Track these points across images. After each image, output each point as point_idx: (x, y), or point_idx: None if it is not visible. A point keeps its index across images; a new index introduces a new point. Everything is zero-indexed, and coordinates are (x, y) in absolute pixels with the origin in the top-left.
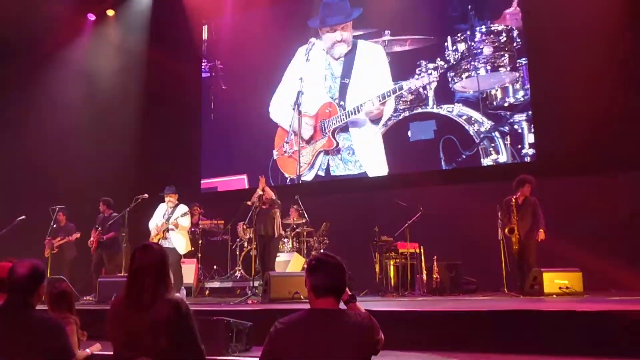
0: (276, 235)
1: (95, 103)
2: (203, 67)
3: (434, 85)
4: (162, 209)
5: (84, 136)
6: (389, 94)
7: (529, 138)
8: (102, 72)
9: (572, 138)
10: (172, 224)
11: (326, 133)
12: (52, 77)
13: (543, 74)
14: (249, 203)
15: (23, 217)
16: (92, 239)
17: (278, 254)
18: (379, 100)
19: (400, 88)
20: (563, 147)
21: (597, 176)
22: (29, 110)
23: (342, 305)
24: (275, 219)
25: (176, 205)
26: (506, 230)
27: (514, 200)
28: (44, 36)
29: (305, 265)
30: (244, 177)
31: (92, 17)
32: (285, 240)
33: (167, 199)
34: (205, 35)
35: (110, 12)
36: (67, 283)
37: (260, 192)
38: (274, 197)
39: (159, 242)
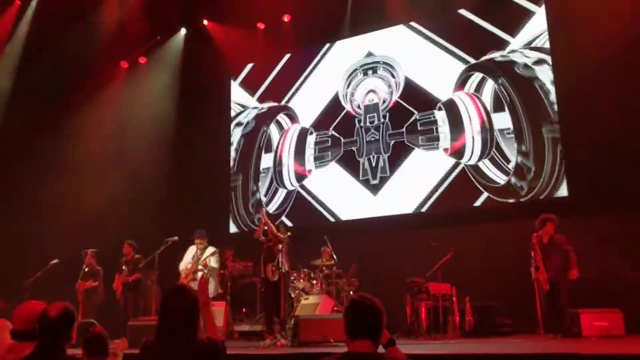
0: (276, 278)
1: (126, 147)
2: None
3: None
4: (191, 252)
5: (114, 179)
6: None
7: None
8: (133, 117)
9: (609, 173)
10: (201, 264)
11: None
12: (83, 122)
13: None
14: (262, 238)
15: (56, 260)
16: (116, 282)
17: (306, 296)
18: None
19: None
20: (599, 182)
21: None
22: (63, 154)
23: (381, 349)
24: (279, 256)
25: (205, 248)
26: (533, 269)
27: (535, 239)
28: (78, 83)
29: (335, 308)
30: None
31: (125, 64)
32: (314, 282)
33: (197, 241)
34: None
35: (142, 60)
36: (99, 326)
37: (265, 228)
38: (275, 231)
39: (189, 284)
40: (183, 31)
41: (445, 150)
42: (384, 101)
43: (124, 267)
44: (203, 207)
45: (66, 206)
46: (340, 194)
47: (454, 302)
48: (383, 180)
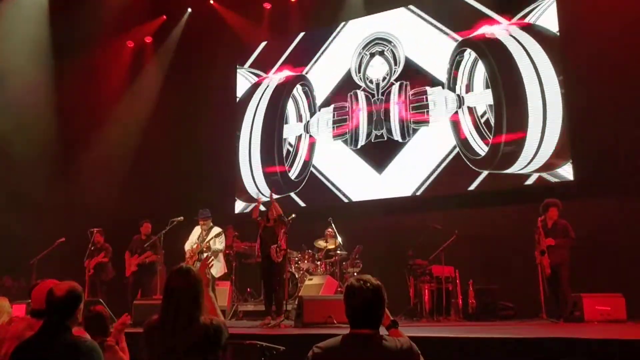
0: (279, 258)
1: (130, 127)
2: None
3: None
4: (196, 232)
5: (120, 157)
6: None
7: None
8: (138, 95)
9: (613, 156)
10: (204, 247)
11: None
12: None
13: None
14: (259, 219)
15: (62, 239)
16: (129, 262)
17: (310, 277)
18: None
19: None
20: (604, 166)
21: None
22: (68, 133)
23: (383, 330)
24: (279, 237)
25: (210, 228)
26: (538, 253)
27: (539, 224)
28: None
29: (339, 289)
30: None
31: (130, 44)
32: (318, 263)
33: (200, 222)
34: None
35: (148, 39)
36: (104, 306)
37: (263, 209)
38: (282, 214)
39: (194, 265)
40: (189, 10)
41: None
42: (387, 79)
43: (136, 249)
44: (208, 187)
45: (72, 186)
46: (348, 174)
47: (457, 284)
48: (388, 160)
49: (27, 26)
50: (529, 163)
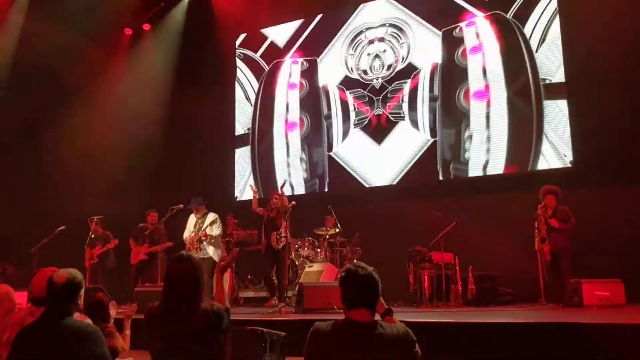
0: (280, 247)
1: (130, 114)
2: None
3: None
4: (192, 220)
5: (119, 146)
6: None
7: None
8: (138, 83)
9: (613, 143)
10: (201, 235)
11: None
12: (89, 88)
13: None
14: (259, 210)
15: (63, 227)
16: (136, 250)
17: (311, 264)
18: None
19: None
20: (604, 152)
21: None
22: (65, 121)
23: (378, 318)
24: (281, 227)
25: (205, 215)
26: (539, 240)
27: (540, 211)
28: (82, 49)
29: (339, 276)
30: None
31: (129, 32)
32: (319, 250)
33: (194, 210)
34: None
35: (146, 27)
36: (104, 292)
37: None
38: (287, 205)
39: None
40: None
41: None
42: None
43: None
44: (207, 174)
45: (71, 173)
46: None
47: (456, 271)
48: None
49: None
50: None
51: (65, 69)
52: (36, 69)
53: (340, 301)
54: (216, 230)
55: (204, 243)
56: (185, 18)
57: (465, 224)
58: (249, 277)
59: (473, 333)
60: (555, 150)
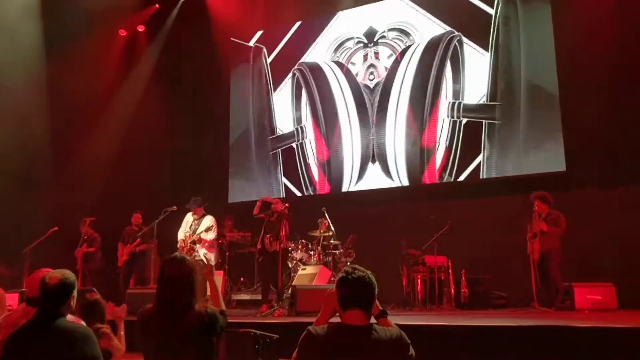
0: (273, 247)
1: (124, 115)
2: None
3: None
4: (189, 221)
5: (114, 146)
6: None
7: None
8: (133, 85)
9: (604, 147)
10: (196, 239)
11: None
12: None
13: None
14: (260, 215)
15: (56, 228)
16: (121, 252)
17: (304, 267)
18: None
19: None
20: (595, 156)
21: (633, 185)
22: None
23: (373, 321)
24: (281, 231)
25: (203, 216)
26: (528, 238)
27: (535, 212)
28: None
29: (332, 278)
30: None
31: (123, 33)
32: (312, 252)
33: (192, 210)
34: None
35: (140, 28)
36: (97, 293)
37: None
38: (287, 210)
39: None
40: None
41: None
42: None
43: (128, 238)
44: (203, 174)
45: (67, 174)
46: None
47: (449, 274)
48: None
49: (17, 20)
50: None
51: (58, 70)
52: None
53: (337, 303)
54: (211, 235)
55: (197, 245)
56: (178, 19)
57: (459, 227)
58: (242, 279)
59: (465, 336)
60: (548, 154)
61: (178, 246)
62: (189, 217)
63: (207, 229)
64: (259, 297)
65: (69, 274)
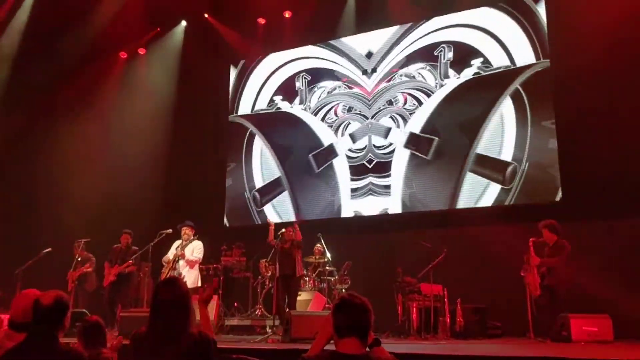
0: (297, 275)
1: (122, 139)
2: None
3: None
4: (177, 244)
5: (110, 171)
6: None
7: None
8: (131, 109)
9: (601, 179)
10: (179, 255)
11: None
12: (83, 112)
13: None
14: (274, 242)
15: (49, 249)
16: (107, 272)
17: (300, 293)
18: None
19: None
20: (593, 188)
21: (630, 219)
22: (57, 143)
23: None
24: (297, 258)
25: (191, 240)
26: (523, 272)
27: (531, 243)
28: (77, 73)
29: (327, 305)
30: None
31: (124, 55)
32: (307, 279)
33: (183, 231)
34: (234, 75)
35: (141, 51)
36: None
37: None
38: (300, 240)
39: (169, 274)
40: (183, 23)
41: None
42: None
43: (116, 259)
44: (200, 199)
45: (60, 196)
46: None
47: (445, 303)
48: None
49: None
50: None
51: (58, 92)
52: (29, 91)
53: (333, 330)
54: (195, 255)
55: (180, 262)
56: (179, 43)
57: (455, 256)
58: (236, 304)
59: None
60: (544, 184)
61: (164, 266)
62: (177, 242)
63: (193, 250)
64: (251, 322)
65: (62, 294)
